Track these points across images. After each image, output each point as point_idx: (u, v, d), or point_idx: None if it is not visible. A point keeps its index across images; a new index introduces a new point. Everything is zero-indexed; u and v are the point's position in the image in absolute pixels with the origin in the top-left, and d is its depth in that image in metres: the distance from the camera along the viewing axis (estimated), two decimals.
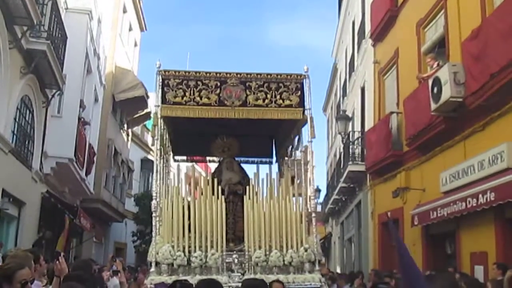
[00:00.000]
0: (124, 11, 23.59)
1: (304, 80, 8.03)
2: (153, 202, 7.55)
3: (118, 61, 22.16)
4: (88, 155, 16.49)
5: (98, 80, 18.95)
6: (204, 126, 8.90)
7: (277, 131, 9.70)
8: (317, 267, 7.59)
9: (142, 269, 13.57)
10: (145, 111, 23.53)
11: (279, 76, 7.98)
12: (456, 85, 9.17)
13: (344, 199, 20.25)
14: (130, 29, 25.36)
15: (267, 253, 7.45)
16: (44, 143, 13.46)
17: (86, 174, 16.56)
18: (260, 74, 7.96)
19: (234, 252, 7.72)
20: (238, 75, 7.89)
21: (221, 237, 7.52)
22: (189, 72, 7.87)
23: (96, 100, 18.79)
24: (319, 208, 28.03)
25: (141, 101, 22.05)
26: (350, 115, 18.63)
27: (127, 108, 22.70)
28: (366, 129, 15.84)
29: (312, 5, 67.26)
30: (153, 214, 7.54)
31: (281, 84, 7.91)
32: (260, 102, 7.82)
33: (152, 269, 7.31)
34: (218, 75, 7.86)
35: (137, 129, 27.24)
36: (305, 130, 8.46)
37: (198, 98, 7.73)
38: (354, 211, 18.57)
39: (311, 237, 7.85)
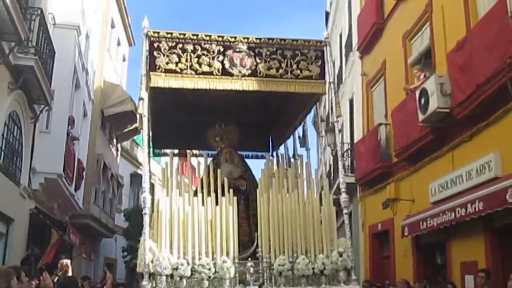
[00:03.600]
0: (112, 26, 23.62)
1: (325, 47, 6.91)
2: (144, 196, 6.16)
3: (106, 76, 22.13)
4: (77, 171, 16.39)
5: (87, 95, 18.90)
6: (190, 112, 7.85)
7: (277, 118, 8.52)
8: (353, 276, 6.44)
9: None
10: (134, 125, 23.46)
11: (295, 42, 6.79)
12: (442, 96, 9.26)
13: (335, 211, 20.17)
14: (119, 44, 25.40)
15: (291, 259, 6.30)
16: (33, 159, 13.36)
17: (75, 190, 16.43)
18: (272, 39, 6.73)
19: (249, 259, 6.49)
20: (246, 40, 6.62)
21: (234, 241, 6.29)
22: (184, 34, 6.51)
23: (85, 115, 18.72)
24: None
25: (130, 115, 21.95)
26: (339, 127, 18.66)
27: (116, 122, 22.64)
28: (355, 140, 15.90)
29: (299, 18, 67.77)
30: (144, 211, 6.12)
31: (297, 52, 6.72)
32: (273, 72, 6.60)
33: (145, 282, 5.81)
34: (221, 38, 6.57)
35: (127, 143, 27.14)
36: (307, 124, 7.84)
37: (196, 66, 6.42)
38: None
39: (342, 239, 6.70)
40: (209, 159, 8.08)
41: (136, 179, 27.97)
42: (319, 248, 6.40)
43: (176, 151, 8.68)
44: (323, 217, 6.60)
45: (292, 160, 8.24)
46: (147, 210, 6.08)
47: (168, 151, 8.51)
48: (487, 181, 8.25)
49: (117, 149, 25.06)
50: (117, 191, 24.69)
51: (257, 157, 8.92)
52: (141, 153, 28.03)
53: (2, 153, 11.70)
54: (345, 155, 16.73)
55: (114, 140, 24.25)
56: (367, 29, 14.55)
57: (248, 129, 8.46)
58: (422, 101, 9.75)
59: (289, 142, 8.87)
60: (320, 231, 6.49)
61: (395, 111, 11.93)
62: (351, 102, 17.56)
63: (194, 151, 8.94)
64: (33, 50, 11.77)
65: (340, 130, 18.33)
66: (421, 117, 9.85)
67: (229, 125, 8.18)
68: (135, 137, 26.44)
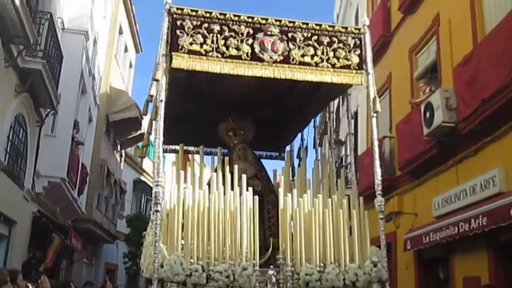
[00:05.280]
0: (120, 32, 23.76)
1: (364, 35, 6.31)
2: (156, 191, 5.39)
3: (113, 82, 22.23)
4: (81, 175, 16.42)
5: (93, 100, 18.98)
6: (198, 106, 7.26)
7: (292, 116, 7.89)
8: None
9: None
10: (139, 132, 23.54)
11: (332, 28, 6.19)
12: (448, 110, 9.26)
13: None
14: (126, 50, 25.52)
15: (319, 269, 5.71)
16: (37, 162, 13.40)
17: (78, 194, 16.47)
18: (307, 24, 6.10)
19: (271, 267, 5.85)
20: (278, 22, 6.00)
21: (255, 246, 5.64)
22: (211, 13, 5.83)
23: (90, 120, 18.79)
24: None
25: (135, 122, 22.06)
26: (343, 140, 18.68)
27: (120, 129, 22.69)
28: (359, 153, 15.88)
29: None
30: (154, 208, 5.37)
31: (335, 39, 6.13)
32: (307, 59, 5.98)
33: None
34: (251, 19, 5.94)
35: (130, 150, 27.20)
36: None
37: (223, 48, 5.77)
38: None
39: (374, 248, 6.13)
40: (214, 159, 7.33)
41: (139, 185, 28.02)
42: (350, 257, 5.81)
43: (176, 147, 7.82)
44: (354, 222, 6.02)
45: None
46: (159, 207, 5.37)
47: (173, 147, 7.86)
48: (491, 196, 8.22)
49: (121, 155, 25.12)
50: (120, 197, 24.71)
51: (267, 157, 8.34)
52: (145, 159, 28.12)
53: (7, 155, 11.75)
54: (348, 167, 16.70)
55: (118, 146, 24.31)
56: (373, 41, 14.54)
57: (260, 127, 7.75)
58: (427, 115, 9.74)
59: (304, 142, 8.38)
60: (350, 238, 5.87)
61: (399, 124, 11.92)
62: (355, 114, 17.57)
63: (196, 148, 7.91)
64: (41, 54, 11.86)
65: (344, 142, 18.34)
66: (426, 130, 9.84)
67: (243, 119, 7.49)
68: (139, 144, 26.49)
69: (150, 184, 19.33)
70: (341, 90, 7.09)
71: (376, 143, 6.28)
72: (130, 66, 27.20)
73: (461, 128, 9.15)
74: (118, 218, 24.38)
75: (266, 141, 8.25)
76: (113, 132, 22.75)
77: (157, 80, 5.57)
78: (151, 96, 5.85)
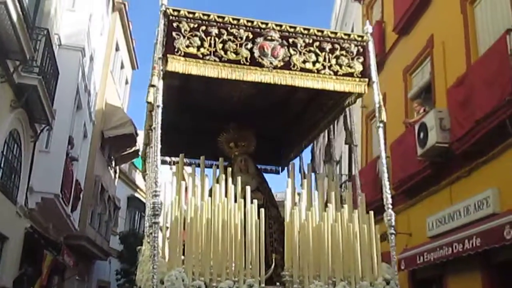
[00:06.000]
0: (117, 49, 23.87)
1: (368, 42, 6.13)
2: (154, 202, 5.08)
3: (108, 98, 22.27)
4: (75, 191, 16.35)
5: (88, 116, 18.98)
6: (194, 116, 7.02)
7: (291, 128, 7.66)
8: None
9: None
10: (134, 148, 23.52)
11: (334, 35, 5.99)
12: (442, 131, 9.31)
13: None
14: (122, 67, 25.62)
15: (328, 286, 5.40)
16: (31, 177, 13.35)
17: (72, 210, 16.38)
18: (308, 30, 5.89)
19: (277, 284, 5.59)
20: (279, 27, 5.79)
21: (261, 261, 5.36)
22: (209, 16, 5.60)
23: (85, 136, 18.77)
24: None
25: (130, 138, 22.07)
26: (337, 158, 18.71)
27: (115, 145, 22.68)
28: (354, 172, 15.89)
29: None
30: (153, 220, 5.08)
31: (337, 45, 5.93)
32: (309, 66, 5.77)
33: None
34: (250, 23, 5.71)
35: (125, 166, 27.15)
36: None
37: (221, 52, 5.52)
38: None
39: (385, 265, 5.86)
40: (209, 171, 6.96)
41: (133, 202, 27.93)
42: (361, 274, 5.50)
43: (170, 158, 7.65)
44: (364, 238, 5.78)
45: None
46: (157, 219, 5.07)
47: (167, 159, 7.55)
48: (485, 217, 8.24)
49: (115, 171, 25.06)
50: (114, 213, 24.60)
51: (269, 171, 8.10)
52: (139, 176, 28.06)
53: (1, 170, 11.70)
54: (342, 186, 16.69)
55: (113, 162, 24.26)
56: None
57: (259, 140, 7.49)
58: (421, 135, 9.79)
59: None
60: (362, 255, 5.60)
61: (394, 144, 11.96)
62: (350, 134, 17.62)
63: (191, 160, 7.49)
64: (37, 70, 11.89)
65: (339, 162, 18.36)
66: (419, 151, 9.88)
67: (245, 129, 7.23)
68: (133, 160, 26.45)
69: (144, 201, 19.27)
70: (342, 105, 6.87)
71: (383, 154, 6.09)
72: (126, 82, 27.29)
73: (455, 148, 9.20)
74: (111, 234, 24.24)
75: (268, 155, 8.02)
76: (108, 148, 22.72)
77: (153, 86, 5.34)
78: (148, 102, 5.63)
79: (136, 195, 28.35)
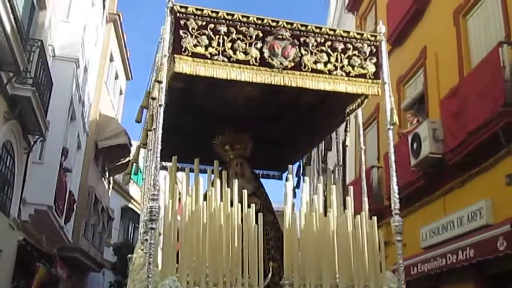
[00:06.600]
0: (111, 59, 23.89)
1: (381, 42, 5.85)
2: (152, 206, 4.81)
3: (102, 109, 22.25)
4: (68, 203, 16.28)
5: (82, 127, 18.95)
6: (193, 119, 6.85)
7: (294, 132, 7.46)
8: None
9: None
10: (127, 159, 23.47)
11: (347, 34, 5.74)
12: (435, 142, 9.35)
13: None
14: (116, 77, 25.64)
15: None
16: (24, 189, 13.29)
17: (65, 222, 16.30)
18: (321, 28, 5.64)
19: None
20: (290, 25, 5.53)
21: (259, 269, 5.09)
22: (217, 13, 5.35)
23: (78, 147, 18.73)
24: None
25: (124, 149, 22.03)
26: (331, 169, 18.71)
27: (109, 155, 22.63)
28: (347, 182, 15.91)
29: None
30: (150, 225, 4.79)
31: (349, 45, 5.69)
32: (320, 66, 5.53)
33: None
34: (260, 21, 5.46)
35: (118, 177, 27.09)
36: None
37: (230, 52, 5.28)
38: None
39: (389, 273, 5.61)
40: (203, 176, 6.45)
41: (126, 213, 27.82)
42: (364, 283, 5.26)
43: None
44: (369, 244, 5.52)
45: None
46: (155, 224, 4.78)
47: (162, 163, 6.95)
48: (478, 228, 8.26)
49: (109, 182, 24.98)
50: (107, 224, 24.50)
51: (268, 177, 7.87)
52: (133, 186, 27.98)
53: None
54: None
55: (107, 173, 24.19)
56: None
57: (259, 144, 7.24)
58: (415, 145, 9.83)
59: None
60: (364, 261, 5.35)
61: (387, 155, 11.99)
62: (343, 144, 17.66)
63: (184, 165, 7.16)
64: (31, 81, 11.87)
65: (333, 171, 18.34)
66: (413, 161, 9.91)
67: (241, 132, 7.00)
68: (127, 171, 26.39)
69: (138, 211, 19.19)
70: (348, 108, 6.71)
71: (392, 157, 5.87)
72: (120, 93, 27.28)
73: (448, 159, 9.23)
74: (105, 245, 24.12)
75: (270, 160, 7.80)
76: (102, 159, 22.67)
77: (160, 82, 5.05)
78: (153, 98, 5.40)
79: (130, 205, 28.24)
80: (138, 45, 74.09)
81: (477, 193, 8.59)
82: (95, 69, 20.70)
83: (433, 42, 10.81)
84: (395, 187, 5.71)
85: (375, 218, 5.83)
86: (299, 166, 8.18)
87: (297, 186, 7.63)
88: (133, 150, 21.91)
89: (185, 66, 5.13)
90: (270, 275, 5.68)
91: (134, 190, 28.04)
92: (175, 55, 5.12)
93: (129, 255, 6.29)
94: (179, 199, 5.70)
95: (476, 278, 8.52)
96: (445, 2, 10.53)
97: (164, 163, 6.94)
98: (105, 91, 22.79)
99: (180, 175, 7.31)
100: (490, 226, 7.98)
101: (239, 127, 6.91)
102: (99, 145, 21.27)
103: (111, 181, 25.45)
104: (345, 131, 7.18)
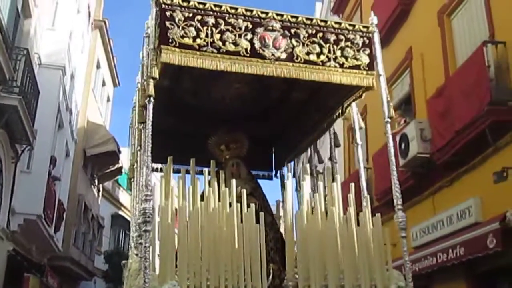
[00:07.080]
0: (98, 66, 23.79)
1: (374, 33, 5.76)
2: (145, 207, 4.58)
3: (90, 116, 22.14)
4: (58, 211, 16.16)
5: (70, 135, 18.84)
6: (182, 119, 6.72)
7: (286, 131, 7.32)
8: None
9: None
10: (116, 166, 23.38)
11: (338, 25, 5.65)
12: (422, 142, 9.41)
13: None
14: (104, 84, 25.53)
15: None
16: (12, 199, 13.18)
17: (55, 231, 16.17)
18: (311, 20, 5.54)
19: None
20: (280, 17, 5.42)
21: (263, 272, 4.88)
22: (204, 4, 5.22)
23: (67, 155, 18.62)
24: None
25: (113, 156, 21.93)
26: (321, 171, 18.75)
27: (98, 163, 22.51)
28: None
29: None
30: (144, 228, 4.56)
31: (341, 37, 5.58)
32: (313, 57, 5.40)
33: None
34: (249, 13, 5.36)
35: (108, 184, 26.95)
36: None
37: (219, 43, 5.14)
38: None
39: (395, 272, 5.36)
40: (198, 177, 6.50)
41: (117, 220, 27.68)
42: (371, 283, 5.04)
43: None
44: (371, 243, 5.29)
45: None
46: (149, 226, 4.57)
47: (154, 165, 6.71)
48: (468, 226, 8.32)
49: (98, 190, 24.84)
50: (98, 232, 24.35)
51: (258, 177, 7.59)
52: (122, 193, 27.86)
53: None
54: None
55: (96, 181, 24.06)
56: None
57: (251, 144, 7.06)
58: (403, 146, 9.88)
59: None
60: (369, 259, 5.14)
61: (375, 155, 12.05)
62: (335, 142, 17.71)
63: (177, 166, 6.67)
64: (17, 90, 11.78)
65: (322, 173, 18.38)
66: (401, 161, 9.96)
67: (236, 131, 6.84)
68: (117, 178, 26.26)
69: (128, 219, 19.11)
70: (342, 104, 6.57)
71: (392, 150, 5.67)
72: (108, 100, 27.17)
73: (436, 159, 9.29)
74: (96, 254, 23.96)
75: (260, 160, 7.58)
76: (91, 167, 22.54)
77: (154, 78, 4.90)
78: (150, 96, 5.08)
79: (120, 213, 28.11)
80: (124, 51, 73.94)
81: (465, 192, 8.65)
82: (82, 76, 20.61)
83: (419, 42, 10.89)
84: (396, 183, 5.54)
85: (379, 215, 5.63)
86: (295, 165, 8.06)
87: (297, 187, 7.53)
88: (122, 156, 21.87)
89: (172, 56, 4.94)
90: (270, 277, 5.46)
91: (124, 197, 27.92)
92: (162, 46, 4.94)
93: (123, 261, 6.19)
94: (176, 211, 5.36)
95: (466, 276, 8.58)
96: (429, 2, 10.62)
97: (155, 165, 6.76)
98: (92, 98, 22.69)
99: (173, 176, 6.97)
100: (479, 224, 8.04)
101: (232, 127, 6.76)
102: (88, 152, 21.15)
103: (101, 189, 25.32)
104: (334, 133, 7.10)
